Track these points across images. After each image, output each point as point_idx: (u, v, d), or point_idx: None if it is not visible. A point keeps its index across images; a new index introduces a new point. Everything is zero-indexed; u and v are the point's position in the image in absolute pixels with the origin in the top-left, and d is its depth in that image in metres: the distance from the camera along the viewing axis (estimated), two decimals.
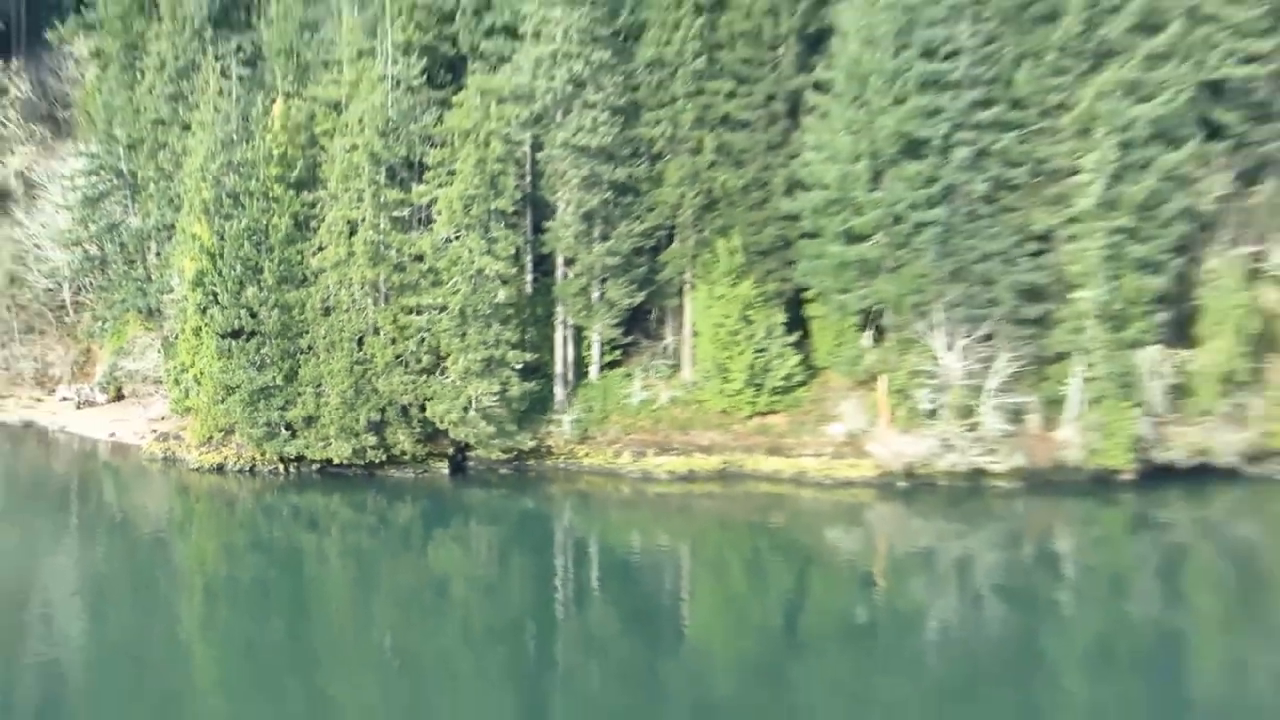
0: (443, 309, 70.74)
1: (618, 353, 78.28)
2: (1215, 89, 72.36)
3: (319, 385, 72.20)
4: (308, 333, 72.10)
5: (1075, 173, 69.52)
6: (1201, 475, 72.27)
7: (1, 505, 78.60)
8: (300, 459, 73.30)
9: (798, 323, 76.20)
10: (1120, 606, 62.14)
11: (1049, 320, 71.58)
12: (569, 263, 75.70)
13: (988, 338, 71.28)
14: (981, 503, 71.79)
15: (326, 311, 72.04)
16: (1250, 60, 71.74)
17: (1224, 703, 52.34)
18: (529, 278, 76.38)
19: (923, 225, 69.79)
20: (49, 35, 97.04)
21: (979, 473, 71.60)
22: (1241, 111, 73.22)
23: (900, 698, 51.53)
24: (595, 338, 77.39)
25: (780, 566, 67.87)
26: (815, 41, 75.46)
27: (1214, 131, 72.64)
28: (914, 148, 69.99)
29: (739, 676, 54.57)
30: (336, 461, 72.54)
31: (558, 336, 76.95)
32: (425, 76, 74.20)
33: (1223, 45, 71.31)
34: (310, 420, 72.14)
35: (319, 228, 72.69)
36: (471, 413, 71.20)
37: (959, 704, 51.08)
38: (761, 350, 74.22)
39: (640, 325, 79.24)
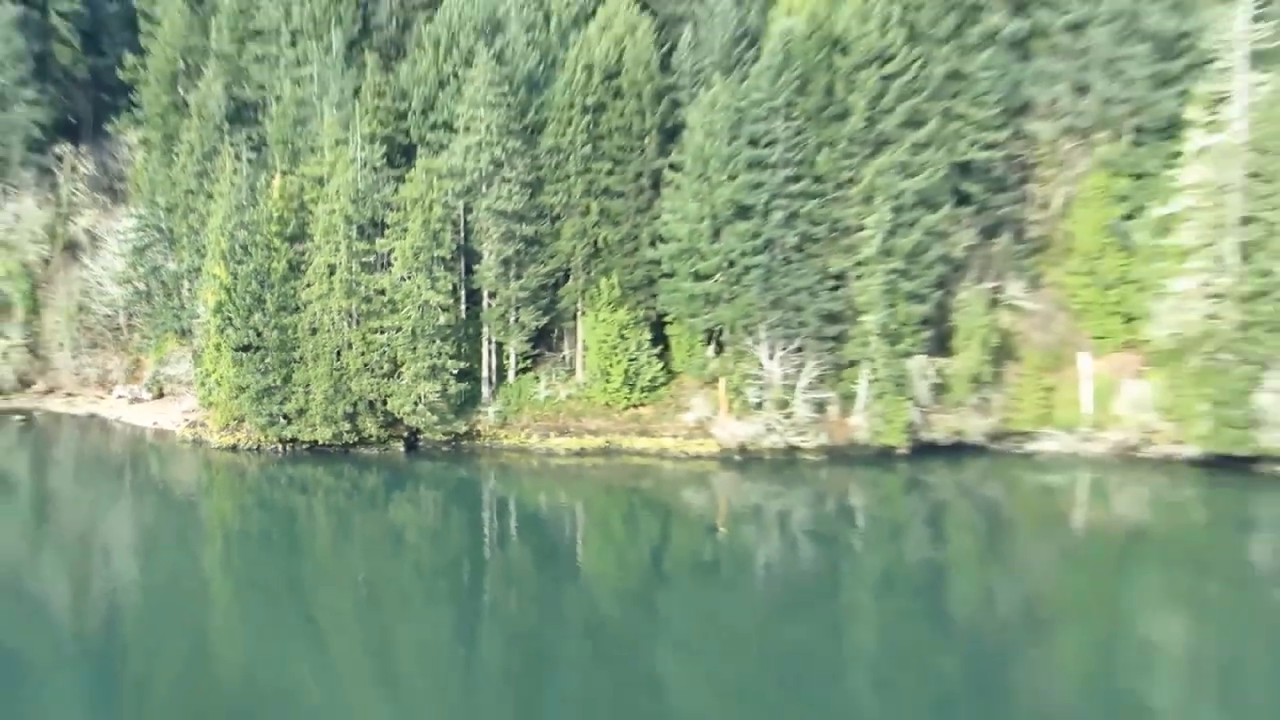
0: (399, 329, 72.27)
1: (528, 361, 79.39)
2: (964, 168, 74.26)
3: (307, 386, 73.48)
4: (299, 347, 73.30)
5: (861, 229, 70.98)
6: (957, 450, 74.14)
7: (76, 472, 79.72)
8: (294, 440, 74.43)
9: (660, 339, 77.58)
10: (898, 545, 64.60)
11: (844, 336, 73.01)
12: (492, 295, 77.04)
13: (799, 349, 72.75)
14: (795, 471, 73.01)
15: (313, 331, 73.17)
16: (989, 147, 74.14)
17: (975, 613, 54.63)
18: (463, 307, 76.92)
19: (750, 268, 71.82)
20: (108, 127, 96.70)
21: (793, 449, 73.55)
22: (983, 184, 75.41)
23: (738, 611, 53.41)
24: (512, 350, 78.70)
25: (648, 517, 70.01)
26: (671, 133, 76.92)
27: (963, 198, 74.46)
28: (743, 211, 71.73)
29: (620, 598, 56.74)
30: (320, 442, 73.86)
31: (484, 349, 78.00)
32: (385, 159, 75.31)
33: (968, 136, 73.74)
34: (301, 412, 73.59)
35: (307, 270, 74.02)
36: (420, 406, 73.07)
37: (781, 616, 52.79)
38: (634, 359, 75.77)
39: (545, 341, 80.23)
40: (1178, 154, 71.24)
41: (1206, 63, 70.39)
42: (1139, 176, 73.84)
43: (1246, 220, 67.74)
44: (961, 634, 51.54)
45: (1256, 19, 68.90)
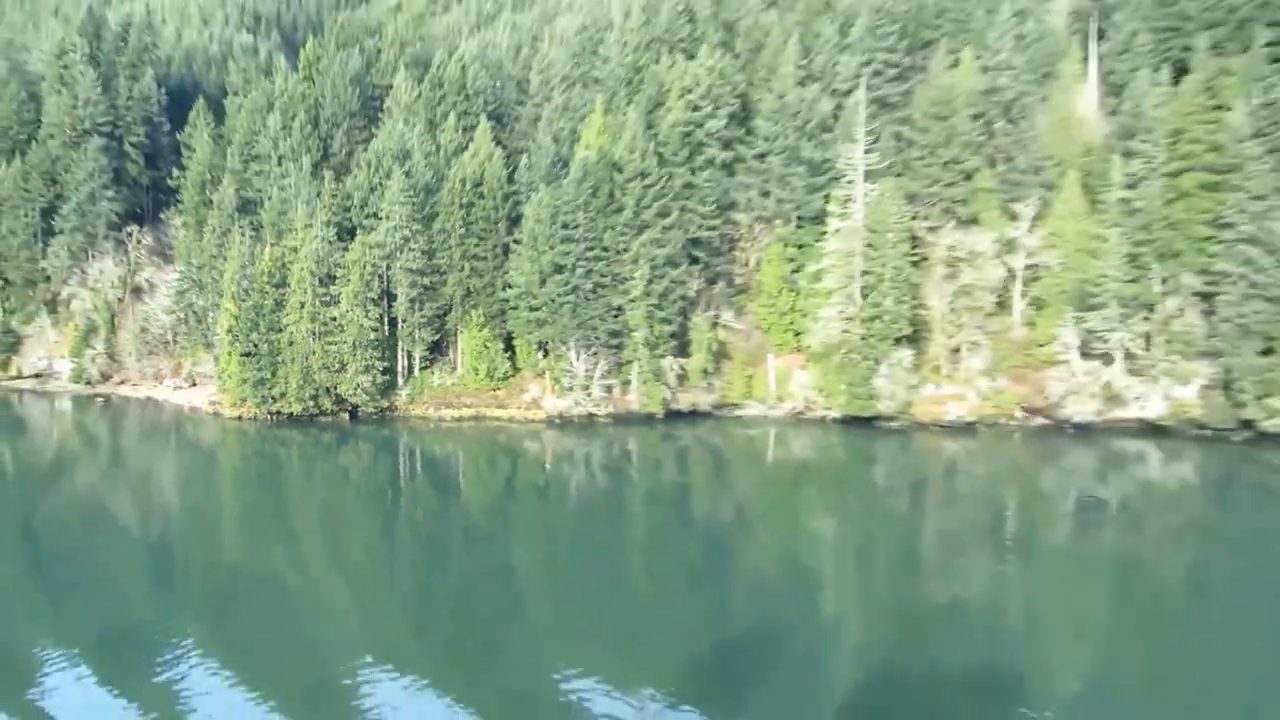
0: (345, 342, 74.30)
1: (428, 361, 79.60)
2: (695, 241, 76.21)
3: (287, 378, 75.09)
4: (281, 353, 74.96)
5: (631, 279, 72.87)
6: (694, 415, 75.41)
7: (140, 433, 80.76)
8: (278, 413, 75.77)
9: (510, 347, 77.86)
10: (657, 475, 68.04)
11: (622, 345, 74.23)
12: (404, 320, 77.84)
13: (594, 353, 74.26)
14: (594, 430, 74.06)
15: (290, 344, 74.96)
16: (710, 229, 76.68)
17: (707, 515, 58.97)
18: (386, 327, 77.13)
19: (563, 304, 73.53)
20: (162, 215, 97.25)
21: (593, 416, 74.91)
22: (707, 251, 76.80)
23: (557, 516, 57.64)
24: (416, 354, 78.96)
25: (502, 458, 71.90)
26: (515, 220, 77.93)
27: (694, 259, 76.30)
28: (559, 269, 73.60)
29: (486, 513, 60.00)
30: (295, 414, 75.51)
31: (400, 354, 78.62)
32: (336, 236, 76.80)
33: (697, 222, 76.01)
34: (282, 394, 75.31)
35: (287, 305, 75.31)
36: (359, 390, 75.18)
37: (584, 519, 57.20)
38: (493, 360, 76.80)
39: (439, 348, 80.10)
40: (824, 233, 74.47)
41: (839, 177, 74.23)
42: (801, 246, 76.06)
43: (865, 273, 71.74)
44: (699, 528, 55.86)
45: (867, 151, 73.31)
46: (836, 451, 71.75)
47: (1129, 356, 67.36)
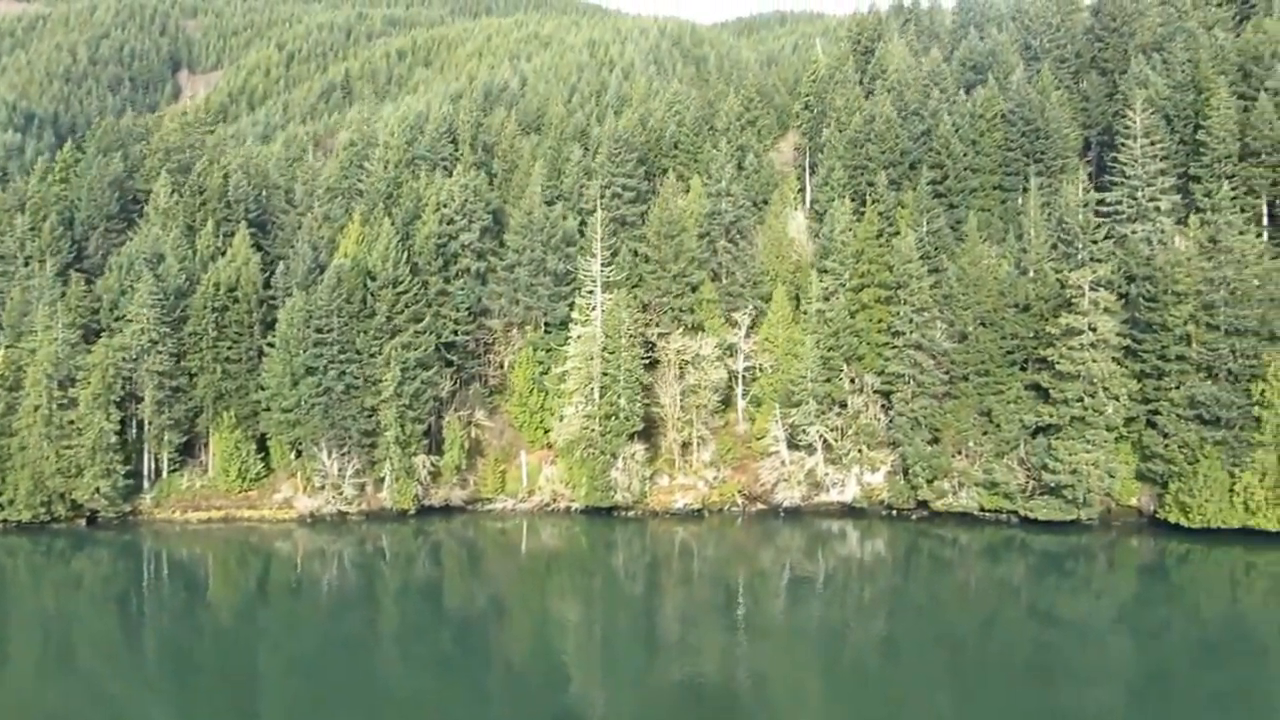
0: (84, 446, 73.04)
1: (177, 464, 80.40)
2: (449, 345, 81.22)
3: (16, 484, 72.50)
4: (12, 458, 72.70)
5: (383, 381, 75.08)
6: (447, 510, 78.39)
7: None
8: (4, 521, 73.21)
9: (263, 447, 79.74)
10: (410, 569, 70.19)
11: (375, 443, 76.41)
12: (151, 422, 78.07)
13: (346, 452, 76.89)
14: (346, 527, 76.21)
15: (22, 448, 72.90)
16: (464, 333, 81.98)
17: (461, 603, 62.52)
18: (134, 431, 77.99)
19: (315, 405, 75.91)
20: None
21: (344, 514, 77.14)
22: (460, 354, 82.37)
23: (309, 619, 58.22)
24: (165, 457, 79.71)
25: (253, 558, 73.60)
26: (269, 324, 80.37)
27: (448, 362, 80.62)
28: (311, 371, 76.02)
29: (235, 614, 60.89)
30: (24, 521, 73.53)
31: (146, 455, 79.06)
32: (82, 338, 76.73)
33: (450, 326, 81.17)
34: (10, 501, 72.71)
35: (20, 408, 73.47)
36: (98, 495, 74.18)
37: (339, 620, 57.38)
38: (244, 461, 78.21)
39: (189, 449, 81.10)
40: (567, 338, 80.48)
41: (580, 287, 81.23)
42: (549, 350, 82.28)
43: (603, 375, 77.92)
44: (453, 618, 59.40)
45: (606, 265, 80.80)
46: (580, 540, 77.04)
47: (827, 447, 77.86)
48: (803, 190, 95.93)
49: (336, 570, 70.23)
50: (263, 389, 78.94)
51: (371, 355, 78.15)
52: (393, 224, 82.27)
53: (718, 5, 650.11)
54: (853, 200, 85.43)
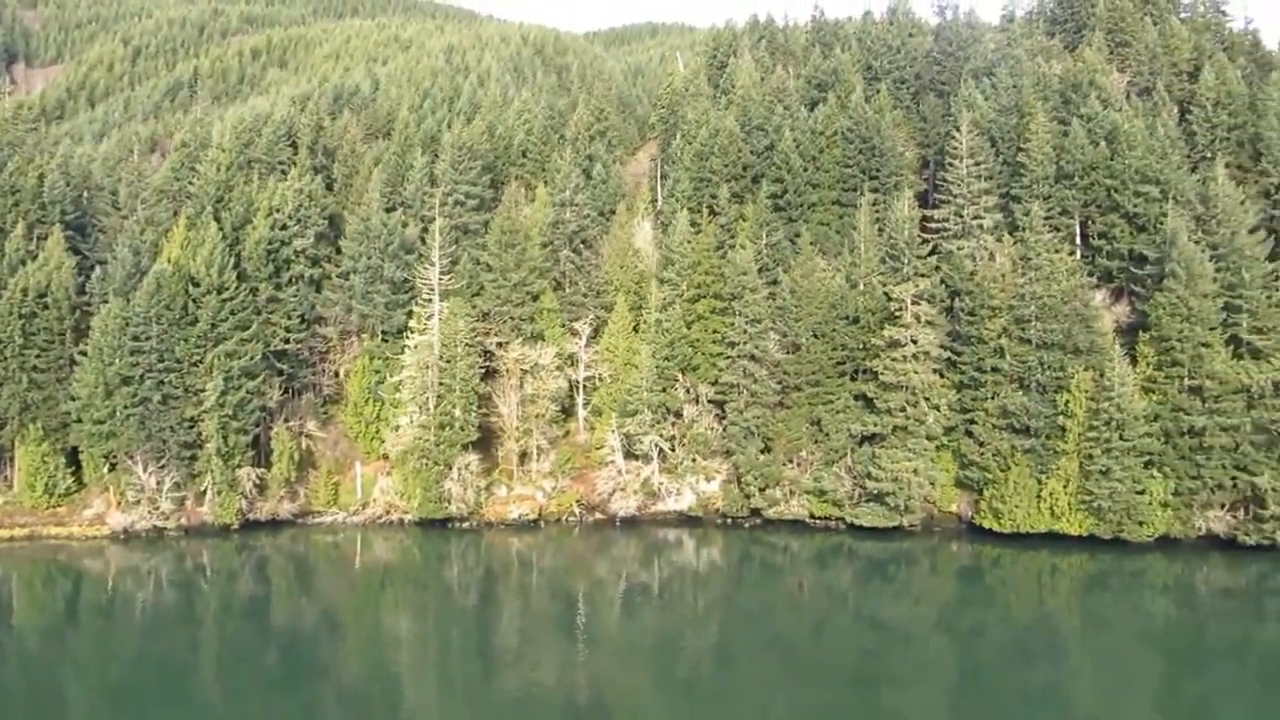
0: None
1: None
2: (279, 354, 80.00)
3: None
4: None
5: (205, 390, 73.64)
6: (275, 524, 77.42)
7: None
8: None
9: (75, 461, 77.53)
10: (233, 586, 68.50)
11: (196, 456, 75.03)
12: None
13: (164, 465, 74.45)
14: (163, 544, 74.19)
15: None
16: (298, 341, 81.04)
17: (289, 620, 61.72)
18: None
19: (130, 416, 74.30)
20: None
21: (161, 529, 75.07)
22: (292, 363, 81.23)
23: (122, 640, 56.98)
24: None
25: (61, 578, 70.81)
26: (83, 332, 77.24)
27: (279, 371, 79.59)
28: (127, 381, 74.23)
29: (40, 637, 58.73)
30: None
31: None
32: None
33: (280, 335, 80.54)
34: None
35: None
36: None
37: (154, 641, 56.18)
38: (52, 475, 75.91)
39: None
40: (404, 347, 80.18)
41: (418, 296, 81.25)
42: (385, 359, 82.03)
43: (439, 384, 78.00)
44: (279, 636, 58.02)
45: (445, 273, 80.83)
46: (414, 553, 76.86)
47: (663, 456, 79.71)
48: (655, 201, 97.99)
49: (153, 589, 68.37)
50: (74, 399, 76.56)
51: (193, 364, 76.81)
52: (221, 228, 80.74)
53: (592, 15, 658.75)
54: (696, 212, 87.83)
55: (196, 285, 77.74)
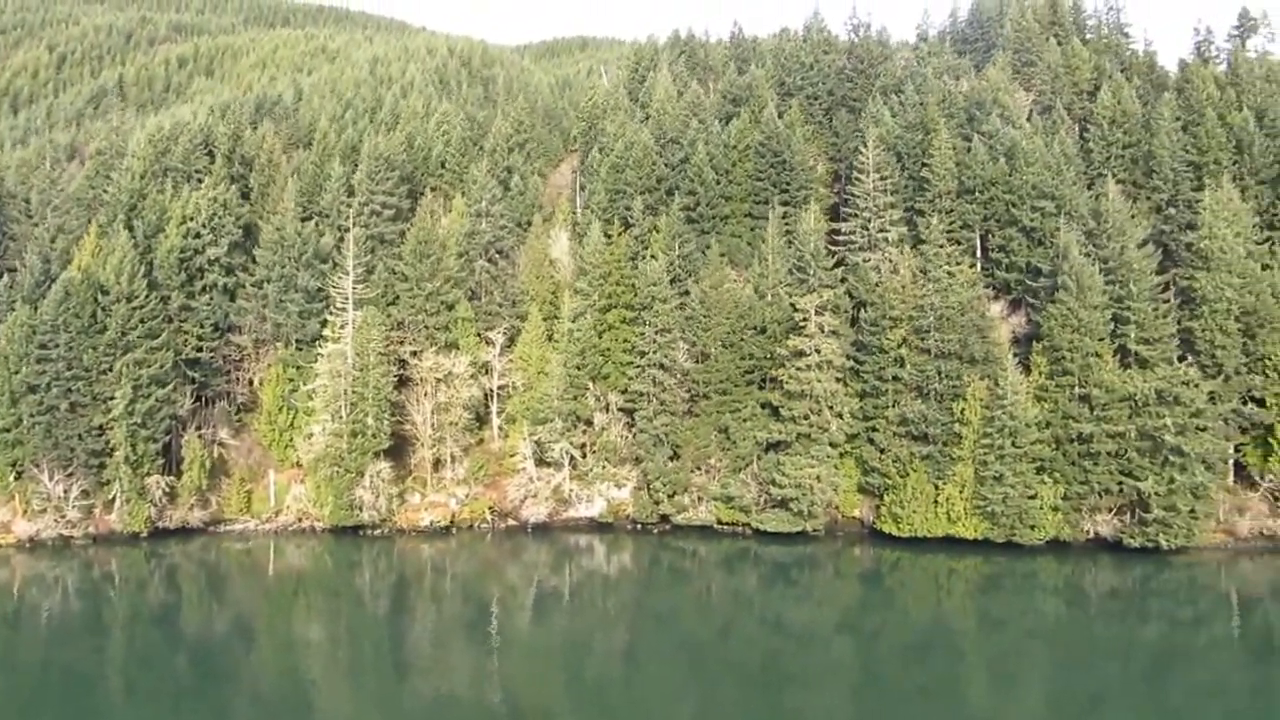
0: None
1: None
2: (191, 362, 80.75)
3: None
4: None
5: (113, 398, 73.48)
6: (186, 533, 76.40)
7: None
8: None
9: None
10: (142, 595, 68.41)
11: (104, 464, 74.03)
12: None
13: (71, 473, 74.83)
14: (70, 552, 73.24)
15: None
16: (210, 350, 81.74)
17: (204, 629, 61.14)
18: None
19: (37, 424, 74.46)
20: None
21: (68, 538, 74.75)
22: (204, 371, 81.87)
23: (24, 650, 56.63)
24: None
25: None
26: None
27: (190, 379, 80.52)
28: (33, 389, 74.17)
29: None
30: None
31: None
32: None
33: (192, 343, 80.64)
34: None
35: None
36: None
37: (59, 650, 55.53)
38: None
39: None
40: (318, 356, 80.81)
41: (333, 304, 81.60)
42: (298, 368, 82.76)
43: (351, 393, 78.65)
44: (188, 645, 57.72)
45: (359, 282, 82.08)
46: (325, 560, 77.34)
47: (573, 464, 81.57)
48: (575, 212, 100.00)
49: (59, 597, 68.04)
50: None
51: (102, 372, 76.82)
52: (133, 236, 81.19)
53: (524, 29, 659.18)
54: (610, 223, 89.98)
55: (106, 294, 78.06)
